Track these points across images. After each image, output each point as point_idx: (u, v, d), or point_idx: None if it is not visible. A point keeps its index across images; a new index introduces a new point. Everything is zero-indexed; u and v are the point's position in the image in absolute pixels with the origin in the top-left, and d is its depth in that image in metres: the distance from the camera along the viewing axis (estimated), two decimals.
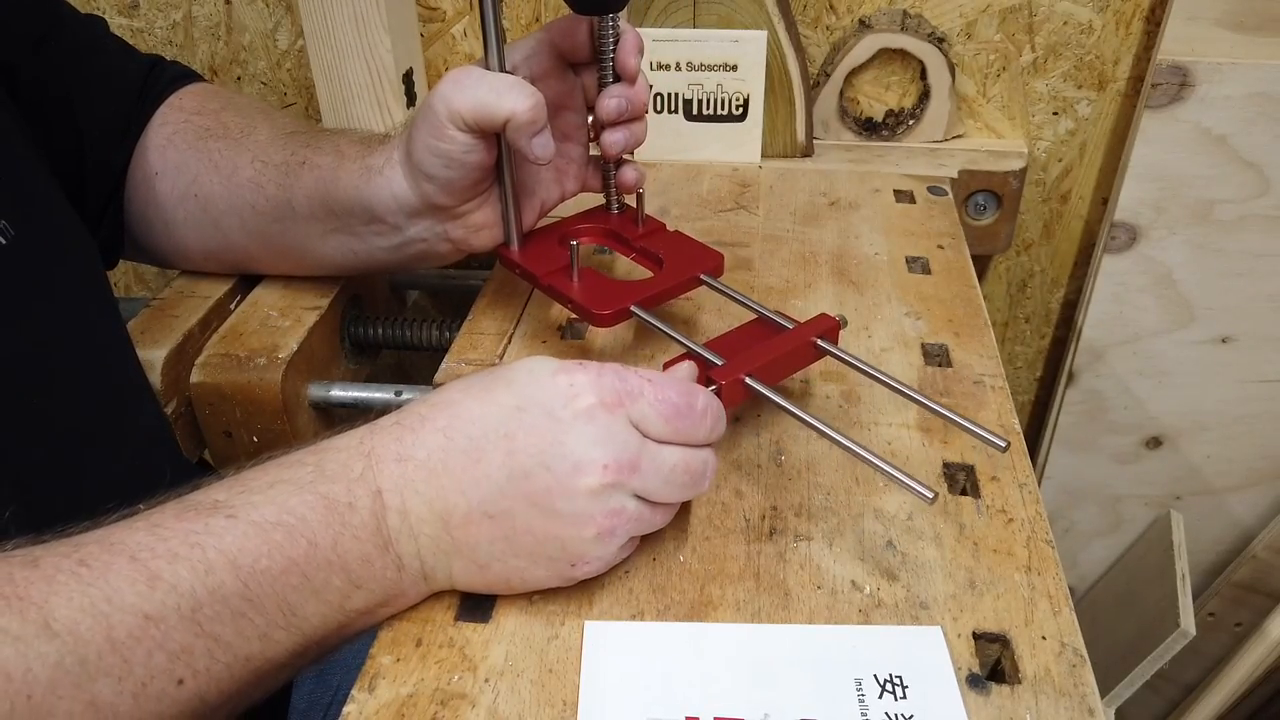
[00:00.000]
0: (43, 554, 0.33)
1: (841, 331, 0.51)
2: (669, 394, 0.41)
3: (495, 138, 0.51)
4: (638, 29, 0.60)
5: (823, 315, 0.51)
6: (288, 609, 0.36)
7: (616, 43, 0.53)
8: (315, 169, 0.57)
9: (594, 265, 0.61)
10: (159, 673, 0.33)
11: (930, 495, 0.41)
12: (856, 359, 0.49)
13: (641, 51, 0.54)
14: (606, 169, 0.59)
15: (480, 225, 0.55)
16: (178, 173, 0.60)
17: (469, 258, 0.59)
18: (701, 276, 0.56)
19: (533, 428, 0.39)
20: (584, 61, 0.55)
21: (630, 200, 0.60)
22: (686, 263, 0.57)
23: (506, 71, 0.51)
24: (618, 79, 0.54)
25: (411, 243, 0.57)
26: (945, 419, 0.46)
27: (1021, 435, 0.51)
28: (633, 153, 0.57)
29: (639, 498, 0.41)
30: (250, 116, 0.62)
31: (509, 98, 0.48)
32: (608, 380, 0.40)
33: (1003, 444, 0.44)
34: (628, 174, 0.58)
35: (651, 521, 0.42)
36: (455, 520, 0.39)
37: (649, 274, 0.57)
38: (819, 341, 0.50)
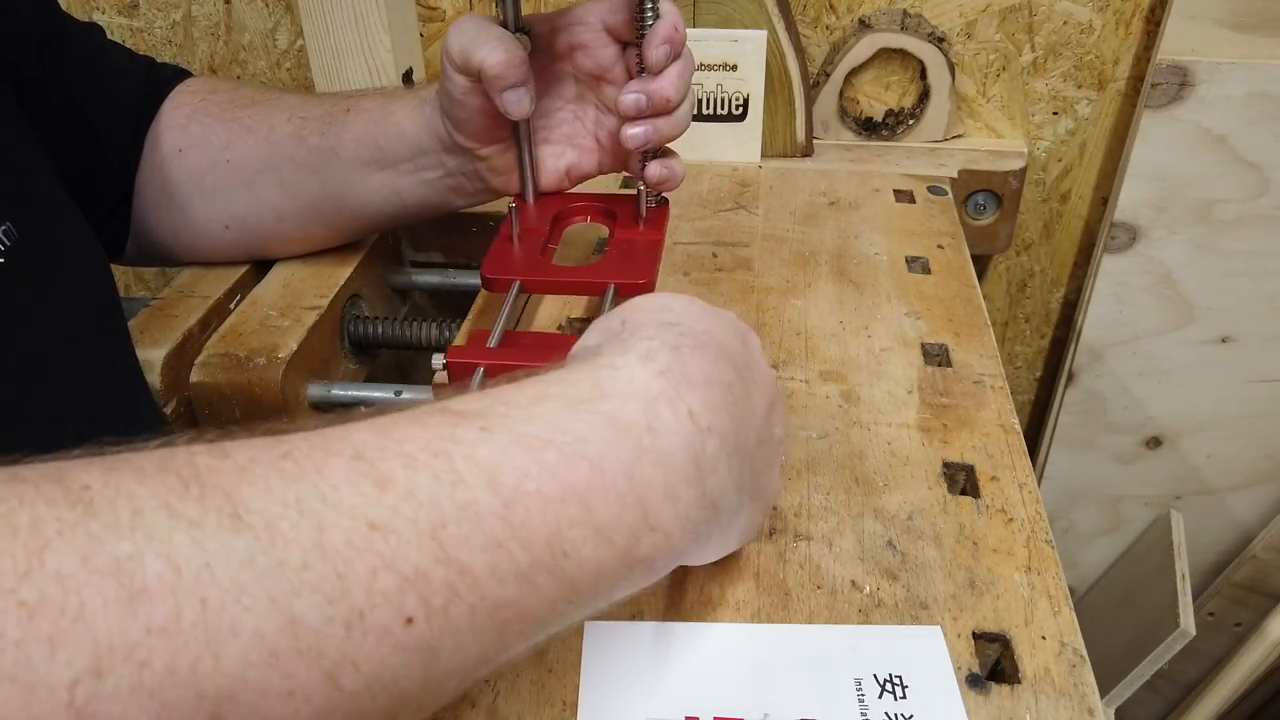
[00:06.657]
0: (235, 447, 0.26)
1: (841, 331, 0.51)
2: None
3: None
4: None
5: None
6: (559, 548, 0.28)
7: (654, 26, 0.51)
8: (363, 112, 0.59)
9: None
10: (382, 601, 0.25)
11: None
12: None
13: (671, 41, 0.51)
14: (645, 154, 0.56)
15: (501, 170, 0.58)
16: (205, 144, 0.61)
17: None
18: (611, 283, 0.53)
19: (754, 380, 0.38)
20: (629, 40, 0.54)
21: (667, 193, 0.58)
22: (617, 269, 0.55)
23: (521, 30, 0.52)
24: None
25: (451, 175, 0.59)
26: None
27: (1021, 435, 0.51)
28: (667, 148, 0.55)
29: None
30: (267, 90, 0.65)
31: (484, 49, 0.49)
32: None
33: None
34: (652, 170, 0.55)
35: None
36: (747, 452, 0.35)
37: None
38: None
